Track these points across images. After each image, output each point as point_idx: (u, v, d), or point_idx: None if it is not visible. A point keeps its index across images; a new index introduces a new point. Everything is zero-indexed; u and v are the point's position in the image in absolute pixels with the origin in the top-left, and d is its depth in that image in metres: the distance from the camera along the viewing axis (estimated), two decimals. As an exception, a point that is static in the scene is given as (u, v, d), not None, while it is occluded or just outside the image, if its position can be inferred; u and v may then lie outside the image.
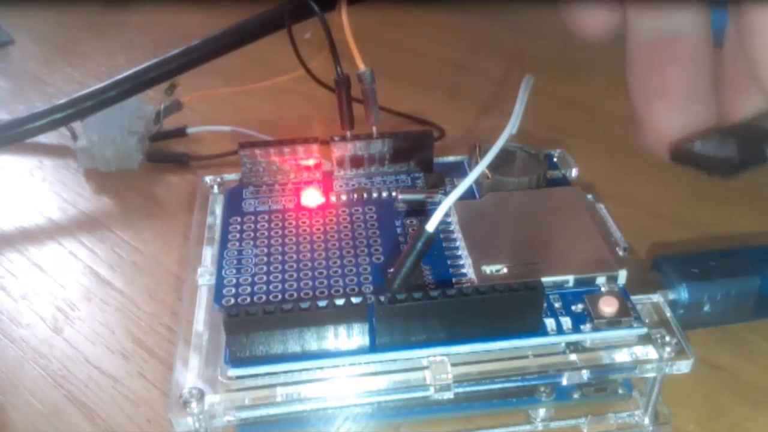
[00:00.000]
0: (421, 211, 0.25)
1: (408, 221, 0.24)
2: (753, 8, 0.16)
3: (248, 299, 0.21)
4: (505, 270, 0.21)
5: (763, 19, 0.16)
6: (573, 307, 0.21)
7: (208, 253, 0.24)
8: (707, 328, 0.23)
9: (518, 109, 0.24)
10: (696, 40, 0.19)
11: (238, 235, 0.24)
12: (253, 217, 0.25)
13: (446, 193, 0.25)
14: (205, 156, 0.35)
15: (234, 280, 0.22)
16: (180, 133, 0.36)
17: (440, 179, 0.26)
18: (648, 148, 0.21)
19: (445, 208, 0.20)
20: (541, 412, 0.22)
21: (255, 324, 0.19)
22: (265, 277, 0.22)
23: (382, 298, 0.19)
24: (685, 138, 0.20)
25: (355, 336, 0.19)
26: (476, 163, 0.24)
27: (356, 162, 0.26)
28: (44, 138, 0.35)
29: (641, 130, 0.20)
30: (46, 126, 0.32)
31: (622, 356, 0.20)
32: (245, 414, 0.19)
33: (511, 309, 0.19)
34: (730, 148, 0.19)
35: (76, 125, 0.34)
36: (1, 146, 0.33)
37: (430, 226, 0.20)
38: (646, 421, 0.21)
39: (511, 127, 0.22)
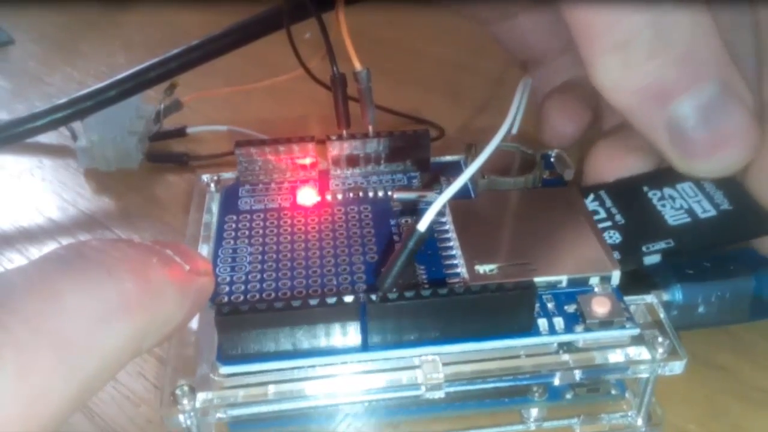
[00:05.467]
0: (417, 211, 0.25)
1: (403, 220, 0.24)
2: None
3: (242, 297, 0.21)
4: (498, 270, 0.21)
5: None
6: (566, 308, 0.20)
7: (204, 251, 0.24)
8: (701, 329, 0.23)
9: (514, 110, 0.24)
10: None
11: (233, 234, 0.24)
12: (248, 216, 0.25)
13: (441, 193, 0.25)
14: (204, 156, 0.35)
15: (228, 278, 0.22)
16: (180, 132, 0.36)
17: (436, 179, 0.26)
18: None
19: (436, 207, 0.20)
20: (534, 411, 0.22)
21: (246, 322, 0.19)
22: (259, 276, 0.22)
23: (373, 297, 0.19)
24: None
25: (347, 335, 0.19)
26: (472, 163, 0.24)
27: (352, 161, 0.26)
28: (44, 138, 0.35)
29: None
30: (46, 126, 0.32)
31: (614, 357, 0.20)
32: (237, 411, 0.19)
33: (503, 309, 0.19)
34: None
35: (76, 125, 0.34)
36: (1, 146, 0.33)
37: (422, 225, 0.20)
38: (639, 421, 0.21)
39: (507, 127, 0.23)
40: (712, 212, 0.23)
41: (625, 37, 0.19)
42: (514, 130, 0.25)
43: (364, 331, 0.19)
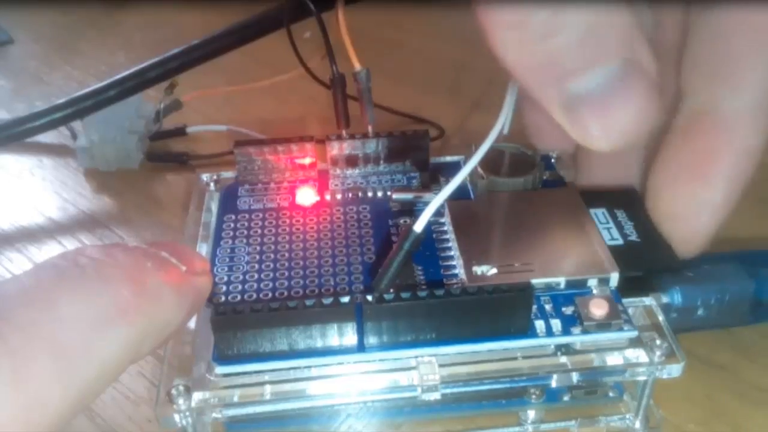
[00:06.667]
0: (416, 211, 0.25)
1: (402, 221, 0.24)
2: None
3: (239, 297, 0.21)
4: (496, 271, 0.21)
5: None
6: (564, 310, 0.20)
7: (203, 251, 0.24)
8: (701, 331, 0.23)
9: (506, 110, 0.23)
10: None
11: (231, 233, 0.24)
12: (247, 215, 0.25)
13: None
14: (204, 155, 0.35)
15: (225, 278, 0.22)
16: (180, 132, 0.36)
17: (436, 179, 0.26)
18: None
19: (432, 208, 0.20)
20: (531, 414, 0.22)
21: (242, 322, 0.19)
22: (256, 275, 0.22)
23: (369, 298, 0.19)
24: None
25: (344, 335, 0.19)
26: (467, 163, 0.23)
27: (351, 161, 0.26)
28: (44, 137, 0.35)
29: None
30: (46, 125, 0.32)
31: (612, 359, 0.19)
32: (232, 411, 0.19)
33: (500, 310, 0.19)
34: None
35: (76, 124, 0.35)
36: (1, 145, 0.33)
37: (418, 226, 0.20)
38: (637, 424, 0.21)
39: (498, 130, 0.22)
40: (619, 241, 0.23)
41: (520, 17, 0.18)
42: (506, 131, 0.24)
43: (361, 332, 0.19)
